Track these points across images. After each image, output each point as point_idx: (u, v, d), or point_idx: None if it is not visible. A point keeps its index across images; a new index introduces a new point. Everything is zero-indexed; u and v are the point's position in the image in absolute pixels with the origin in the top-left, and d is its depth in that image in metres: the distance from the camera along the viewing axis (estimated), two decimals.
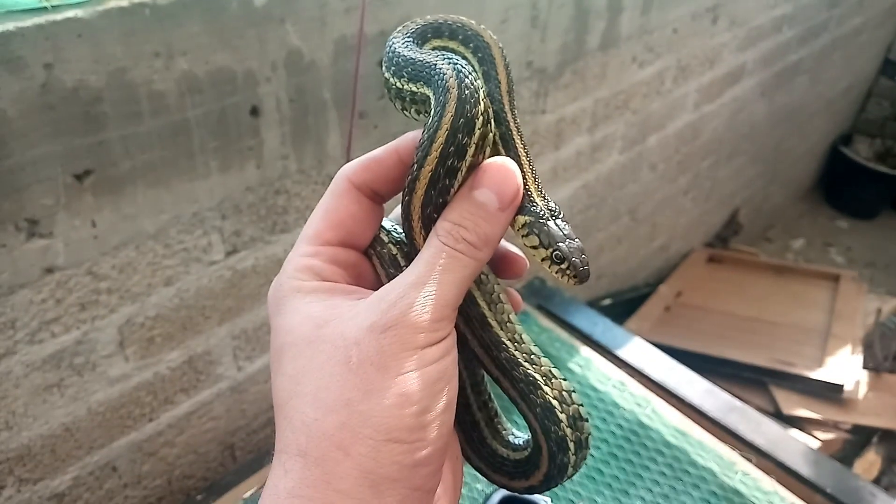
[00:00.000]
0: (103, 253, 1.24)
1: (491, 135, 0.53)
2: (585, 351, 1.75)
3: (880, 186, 4.41)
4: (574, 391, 0.54)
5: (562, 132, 2.16)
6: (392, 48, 0.57)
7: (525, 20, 1.81)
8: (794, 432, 2.45)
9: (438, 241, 0.48)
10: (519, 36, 1.82)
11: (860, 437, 2.58)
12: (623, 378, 1.69)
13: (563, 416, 0.52)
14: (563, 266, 0.56)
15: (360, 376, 0.44)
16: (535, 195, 0.57)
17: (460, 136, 0.50)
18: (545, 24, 1.86)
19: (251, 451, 1.75)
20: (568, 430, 0.52)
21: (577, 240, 0.58)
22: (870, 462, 2.49)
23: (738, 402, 1.73)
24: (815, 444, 2.41)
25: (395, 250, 0.56)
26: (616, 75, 2.24)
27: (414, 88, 0.54)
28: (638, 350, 1.83)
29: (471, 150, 0.51)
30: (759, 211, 4.01)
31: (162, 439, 1.54)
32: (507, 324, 0.55)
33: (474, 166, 0.52)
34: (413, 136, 0.52)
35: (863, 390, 2.61)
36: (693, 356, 2.61)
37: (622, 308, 2.97)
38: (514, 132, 0.57)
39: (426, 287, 0.46)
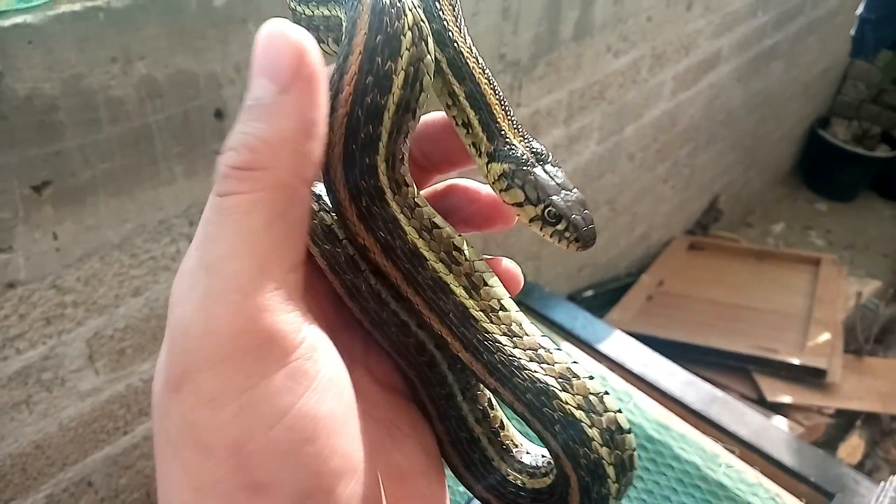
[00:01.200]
0: (66, 265, 1.21)
1: (430, 58, 0.40)
2: (566, 346, 1.74)
3: (858, 168, 4.43)
4: (605, 393, 0.39)
5: (538, 125, 2.13)
6: None
7: (496, 12, 1.78)
8: (778, 420, 2.46)
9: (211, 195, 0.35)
10: (491, 28, 1.79)
11: (843, 422, 2.59)
12: (604, 373, 1.68)
13: (594, 432, 0.38)
14: (559, 227, 0.43)
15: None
16: (509, 134, 0.46)
17: (379, 59, 0.38)
18: (517, 16, 1.84)
19: None
20: (603, 451, 0.38)
21: (574, 190, 0.45)
22: (853, 446, 2.51)
23: (719, 393, 1.72)
24: (799, 431, 2.41)
25: (328, 219, 0.44)
26: (591, 65, 2.22)
27: (326, 12, 0.43)
28: (618, 343, 1.82)
29: (398, 80, 0.38)
30: (739, 197, 4.02)
31: (138, 452, 1.50)
32: (499, 312, 0.41)
33: (413, 109, 0.40)
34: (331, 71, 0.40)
35: (845, 374, 2.62)
36: (676, 345, 2.60)
37: (604, 298, 2.96)
38: (467, 54, 0.45)
39: (199, 287, 0.34)
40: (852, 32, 2.56)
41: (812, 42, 3.73)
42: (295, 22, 0.45)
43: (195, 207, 1.33)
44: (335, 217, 0.44)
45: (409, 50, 0.38)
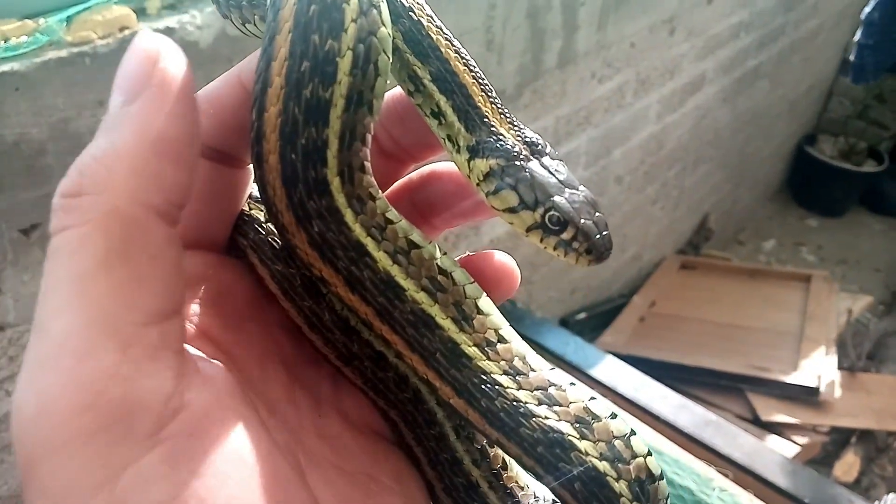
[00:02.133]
0: None
1: (385, 30, 0.31)
2: None
3: (847, 184, 4.47)
4: (633, 433, 0.32)
5: None
6: None
7: (480, 44, 1.80)
8: (773, 439, 2.46)
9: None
10: (475, 59, 1.81)
11: (838, 439, 2.59)
12: (595, 397, 1.68)
13: (621, 486, 0.30)
14: (565, 236, 0.35)
15: None
16: (494, 121, 0.37)
17: (316, 37, 0.29)
18: (501, 47, 1.86)
19: None
20: None
21: (581, 188, 0.36)
22: (849, 464, 2.50)
23: (712, 416, 1.73)
24: (794, 450, 2.41)
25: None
26: (576, 92, 2.25)
27: None
28: (610, 368, 1.82)
29: (344, 64, 0.29)
30: (729, 215, 4.04)
31: None
32: (497, 345, 0.33)
33: (369, 101, 0.31)
34: (254, 56, 0.33)
35: (838, 391, 2.62)
36: (669, 367, 2.61)
37: (597, 321, 2.96)
38: (427, 25, 0.36)
39: (37, 347, 0.26)
40: (852, 58, 2.59)
41: (796, 61, 3.78)
42: (214, 1, 0.38)
43: None
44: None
45: (355, 21, 0.29)
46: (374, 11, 0.30)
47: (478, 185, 0.36)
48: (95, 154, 0.28)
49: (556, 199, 0.34)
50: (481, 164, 0.35)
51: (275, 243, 0.35)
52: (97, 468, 0.25)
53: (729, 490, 1.52)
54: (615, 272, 3.16)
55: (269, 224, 0.35)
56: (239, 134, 0.33)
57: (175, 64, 0.29)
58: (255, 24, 0.37)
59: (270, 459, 0.29)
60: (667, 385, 1.79)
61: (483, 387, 0.32)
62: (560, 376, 0.33)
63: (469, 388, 0.32)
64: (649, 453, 0.32)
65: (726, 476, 1.57)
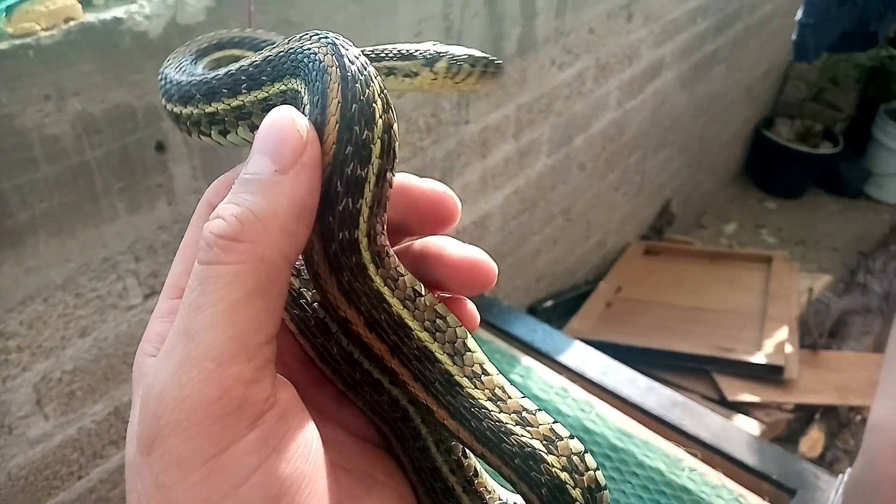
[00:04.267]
0: (8, 310, 1.17)
1: (397, 125, 0.40)
2: (526, 360, 1.74)
3: (803, 165, 4.55)
4: (586, 451, 0.40)
5: (487, 141, 2.15)
6: (170, 74, 0.46)
7: (439, 31, 1.79)
8: (739, 419, 2.49)
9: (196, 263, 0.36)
10: None
11: (803, 416, 2.64)
12: (565, 384, 1.68)
13: (577, 493, 0.38)
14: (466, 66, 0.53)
15: None
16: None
17: (357, 128, 0.37)
18: (459, 34, 1.85)
19: None
20: None
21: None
22: (814, 439, 2.55)
23: (679, 397, 1.74)
24: (760, 428, 2.45)
25: (296, 284, 0.44)
26: (536, 80, 2.24)
27: (281, 87, 0.41)
28: (578, 353, 1.83)
29: (376, 149, 0.38)
30: (690, 199, 4.09)
31: (94, 496, 1.46)
32: (482, 377, 0.41)
33: (389, 178, 0.39)
34: None
35: (801, 369, 2.67)
36: (637, 350, 2.63)
37: (564, 308, 2.98)
38: None
39: (175, 353, 0.34)
40: (793, 37, 2.63)
41: (752, 46, 3.83)
42: (188, 124, 0.46)
43: (140, 243, 1.31)
44: (303, 282, 0.44)
45: (381, 117, 0.37)
46: (391, 111, 0.39)
47: (445, 78, 0.52)
48: (254, 210, 0.35)
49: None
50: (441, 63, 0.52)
51: (293, 293, 0.44)
52: (213, 443, 0.34)
53: (698, 469, 1.53)
54: (580, 259, 3.18)
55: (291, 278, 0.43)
56: None
57: (315, 146, 0.36)
58: (236, 134, 0.44)
59: (317, 444, 0.38)
60: (634, 369, 1.80)
61: (473, 410, 0.40)
62: (529, 403, 0.41)
63: (462, 412, 0.40)
64: (598, 468, 0.40)
65: (695, 456, 1.59)
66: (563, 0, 2.19)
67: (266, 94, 0.42)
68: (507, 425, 0.39)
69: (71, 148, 1.15)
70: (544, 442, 0.39)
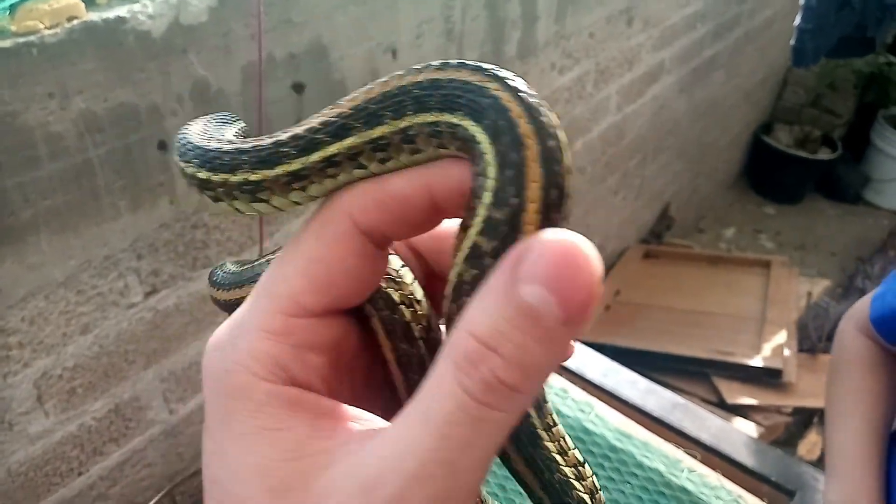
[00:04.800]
0: (9, 306, 1.18)
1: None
2: None
3: (802, 171, 4.56)
4: (587, 462, 0.41)
5: None
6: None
7: (440, 34, 1.80)
8: (738, 422, 2.49)
9: (456, 384, 0.27)
10: (435, 50, 1.81)
11: (801, 419, 2.64)
12: (565, 385, 1.68)
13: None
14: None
15: None
16: None
17: (556, 167, 0.30)
18: (461, 37, 1.86)
19: (192, 494, 1.69)
20: None
21: None
22: (812, 442, 2.55)
23: (680, 399, 1.74)
24: (759, 431, 2.45)
25: (408, 315, 0.38)
26: (536, 83, 2.25)
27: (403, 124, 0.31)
28: (578, 355, 1.83)
29: (567, 186, 0.31)
30: (689, 204, 4.10)
31: (94, 493, 1.46)
32: (553, 428, 0.40)
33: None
34: (456, 172, 0.32)
35: (800, 373, 2.67)
36: (636, 353, 2.63)
37: None
38: None
39: (435, 483, 0.28)
40: (792, 42, 2.64)
41: (751, 51, 3.85)
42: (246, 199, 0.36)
43: (141, 241, 1.31)
44: (415, 309, 0.39)
45: (567, 175, 0.31)
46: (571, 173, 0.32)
47: None
48: (539, 366, 0.29)
49: None
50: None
51: (403, 324, 0.39)
52: (289, 457, 0.29)
53: (697, 471, 1.53)
54: None
55: (400, 306, 0.38)
56: (408, 229, 0.34)
57: (600, 294, 0.28)
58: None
59: None
60: (634, 371, 1.80)
61: (546, 462, 0.38)
62: (580, 455, 0.41)
63: (538, 463, 0.38)
64: (595, 475, 0.41)
65: (694, 457, 1.59)
66: (564, 4, 2.20)
67: (435, 119, 0.32)
68: (570, 480, 0.39)
69: (74, 146, 1.15)
70: (588, 494, 0.39)
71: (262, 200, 0.33)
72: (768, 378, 2.63)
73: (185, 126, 0.37)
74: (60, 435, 1.34)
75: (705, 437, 1.65)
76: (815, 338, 2.96)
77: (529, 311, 0.26)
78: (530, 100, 0.30)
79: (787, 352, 2.70)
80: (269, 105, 1.41)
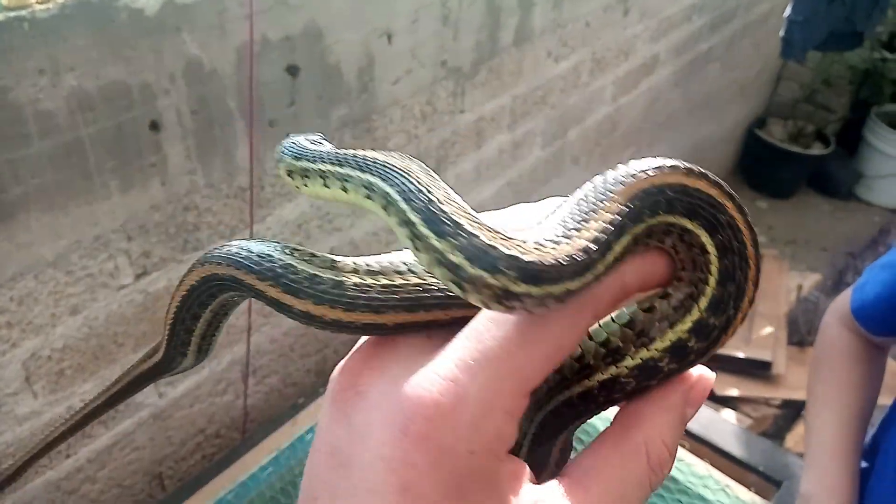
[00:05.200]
0: None
1: None
2: None
3: (795, 166, 4.57)
4: None
5: (482, 131, 2.15)
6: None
7: (436, 19, 1.78)
8: (727, 413, 2.50)
9: (647, 481, 0.33)
10: (431, 35, 1.79)
11: (790, 412, 2.65)
12: None
13: None
14: None
15: None
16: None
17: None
18: (457, 23, 1.85)
19: (181, 478, 1.68)
20: None
21: None
22: (800, 434, 2.56)
23: None
24: (748, 423, 2.46)
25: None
26: (532, 71, 2.24)
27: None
28: None
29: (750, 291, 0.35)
30: None
31: (82, 475, 1.46)
32: None
33: None
34: (662, 265, 0.34)
35: (789, 366, 2.68)
36: None
37: None
38: None
39: None
40: (782, 34, 2.64)
41: (746, 45, 3.84)
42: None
43: (132, 222, 1.30)
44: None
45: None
46: None
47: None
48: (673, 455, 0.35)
49: None
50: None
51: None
52: None
53: (686, 460, 1.54)
54: None
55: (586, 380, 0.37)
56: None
57: None
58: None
59: None
60: None
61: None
62: None
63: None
64: None
65: (683, 447, 1.59)
66: None
67: (674, 221, 0.34)
68: None
69: (65, 124, 1.14)
70: None
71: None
72: (757, 370, 2.63)
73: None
74: (49, 416, 1.33)
75: (694, 427, 1.65)
76: (804, 331, 2.97)
77: (685, 424, 0.35)
78: (750, 221, 0.34)
79: (776, 345, 2.71)
80: (263, 87, 1.40)
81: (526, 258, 0.29)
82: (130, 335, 1.40)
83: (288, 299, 0.34)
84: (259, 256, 0.35)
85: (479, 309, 0.31)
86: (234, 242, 0.37)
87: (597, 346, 0.35)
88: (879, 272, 1.28)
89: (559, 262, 0.29)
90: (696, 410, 0.35)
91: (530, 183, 2.55)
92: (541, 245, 0.30)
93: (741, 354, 2.64)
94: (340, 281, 0.33)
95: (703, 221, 0.34)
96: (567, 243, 0.30)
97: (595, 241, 0.30)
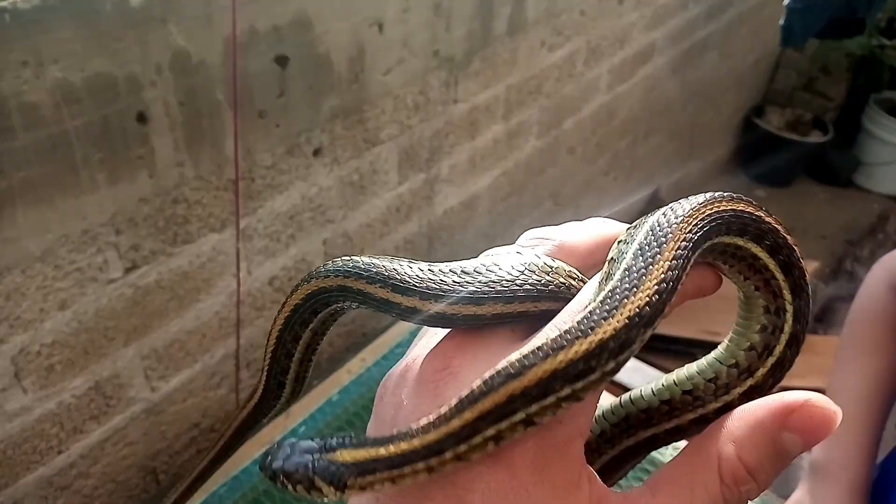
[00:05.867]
0: None
1: None
2: None
3: (793, 154, 4.55)
4: None
5: (476, 121, 2.13)
6: None
7: (427, 8, 1.77)
8: None
9: (720, 494, 0.34)
10: (423, 25, 1.78)
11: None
12: None
13: None
14: None
15: None
16: None
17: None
18: (449, 12, 1.83)
19: (175, 473, 1.68)
20: None
21: None
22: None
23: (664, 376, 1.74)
24: None
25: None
26: (526, 60, 2.23)
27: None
28: None
29: None
30: (680, 186, 4.08)
31: (75, 471, 1.45)
32: None
33: None
34: (713, 279, 0.42)
35: None
36: None
37: None
38: None
39: None
40: (781, 22, 2.62)
41: (744, 33, 3.82)
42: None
43: (120, 215, 1.29)
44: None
45: None
46: None
47: None
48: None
49: None
50: None
51: None
52: None
53: (680, 447, 1.53)
54: None
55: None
56: None
57: None
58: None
59: None
60: None
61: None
62: None
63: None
64: None
65: None
66: None
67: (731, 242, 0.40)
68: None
69: (50, 116, 1.13)
70: None
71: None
72: None
73: None
74: (39, 412, 1.33)
75: None
76: None
77: (783, 451, 0.34)
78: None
79: None
80: (251, 77, 1.38)
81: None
82: (121, 330, 1.39)
83: (398, 298, 0.38)
84: (364, 265, 0.39)
85: (564, 304, 0.37)
86: (336, 259, 0.41)
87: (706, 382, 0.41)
88: None
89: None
90: (802, 441, 0.33)
91: (526, 173, 2.54)
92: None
93: None
94: (442, 280, 0.38)
95: (767, 244, 0.40)
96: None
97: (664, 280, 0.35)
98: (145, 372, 1.48)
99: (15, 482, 1.34)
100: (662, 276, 0.34)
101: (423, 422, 0.33)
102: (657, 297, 0.34)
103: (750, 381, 0.39)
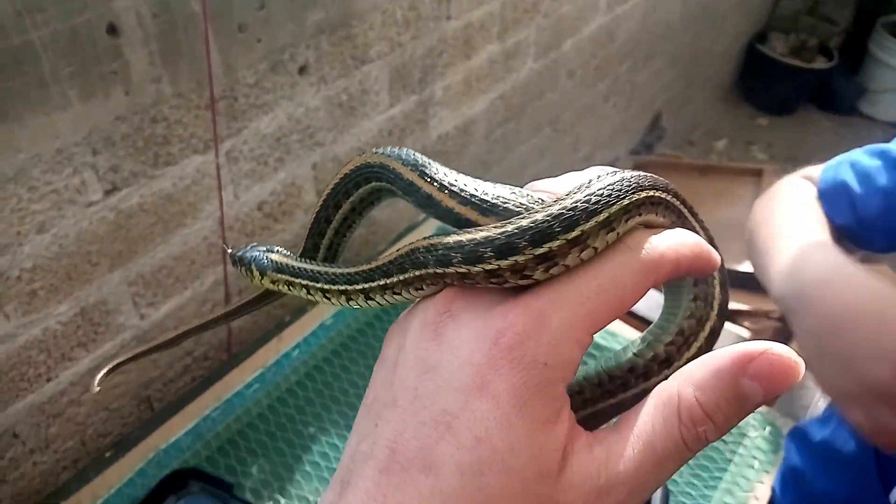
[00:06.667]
0: None
1: None
2: None
3: (796, 81, 4.45)
4: None
5: (470, 39, 2.05)
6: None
7: None
8: (727, 325, 2.48)
9: (678, 433, 0.36)
10: None
11: (788, 324, 2.63)
12: None
13: None
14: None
15: None
16: None
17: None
18: None
19: (170, 400, 1.66)
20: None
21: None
22: (797, 346, 2.55)
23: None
24: (746, 335, 2.44)
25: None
26: None
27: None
28: None
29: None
30: (681, 114, 4.00)
31: (66, 399, 1.43)
32: None
33: None
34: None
35: None
36: None
37: None
38: None
39: (641, 496, 0.36)
40: None
41: None
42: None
43: (96, 134, 1.23)
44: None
45: None
46: None
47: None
48: (725, 428, 0.37)
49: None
50: None
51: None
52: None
53: None
54: (568, 172, 3.10)
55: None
56: None
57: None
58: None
59: None
60: None
61: None
62: None
63: None
64: None
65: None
66: None
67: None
68: None
69: (11, 26, 1.06)
70: None
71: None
72: (756, 284, 2.59)
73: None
74: (24, 339, 1.30)
75: None
76: None
77: (743, 396, 0.35)
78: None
79: None
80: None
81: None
82: (105, 254, 1.35)
83: (420, 182, 0.42)
84: (406, 153, 0.44)
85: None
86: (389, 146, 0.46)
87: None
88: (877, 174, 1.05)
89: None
90: (763, 389, 0.34)
91: (523, 97, 2.46)
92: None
93: (741, 268, 2.60)
94: (464, 183, 0.41)
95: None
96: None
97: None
98: (133, 299, 1.45)
99: (5, 409, 1.32)
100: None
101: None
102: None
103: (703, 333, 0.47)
